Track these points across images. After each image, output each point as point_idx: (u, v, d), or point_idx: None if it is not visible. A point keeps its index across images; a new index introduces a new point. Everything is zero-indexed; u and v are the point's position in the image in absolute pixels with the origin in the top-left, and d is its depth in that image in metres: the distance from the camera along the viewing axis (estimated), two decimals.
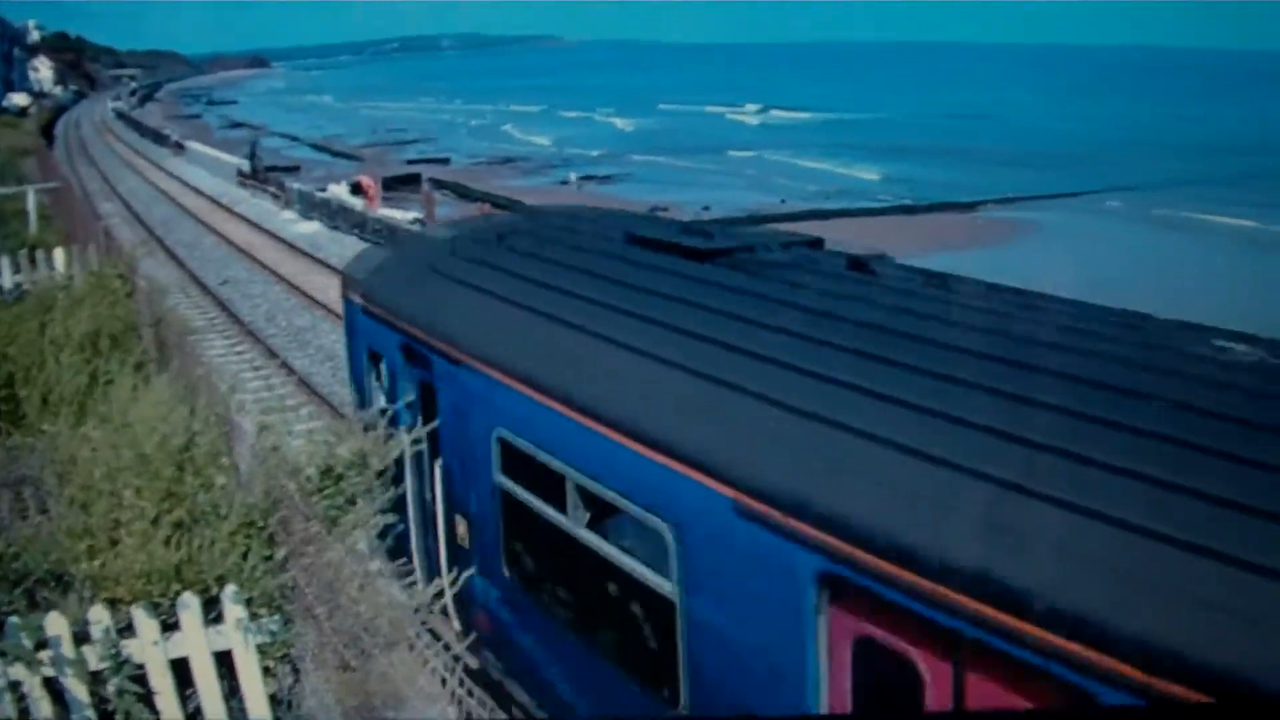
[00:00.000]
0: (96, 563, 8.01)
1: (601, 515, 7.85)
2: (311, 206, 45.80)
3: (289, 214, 47.06)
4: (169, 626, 7.61)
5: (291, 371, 22.17)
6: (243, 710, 7.61)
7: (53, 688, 7.33)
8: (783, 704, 6.31)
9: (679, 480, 6.81)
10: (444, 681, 7.56)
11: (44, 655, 7.27)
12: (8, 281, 19.16)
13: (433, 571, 9.89)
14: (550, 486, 8.18)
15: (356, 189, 45.41)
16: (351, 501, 9.15)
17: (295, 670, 7.78)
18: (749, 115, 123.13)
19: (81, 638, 7.41)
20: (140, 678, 7.52)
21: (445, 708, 7.16)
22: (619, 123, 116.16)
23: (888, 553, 5.55)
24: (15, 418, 11.16)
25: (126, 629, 7.53)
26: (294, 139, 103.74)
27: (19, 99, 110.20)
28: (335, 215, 43.26)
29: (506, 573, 9.07)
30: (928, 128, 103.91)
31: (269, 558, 8.15)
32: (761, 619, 6.45)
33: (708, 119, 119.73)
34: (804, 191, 63.49)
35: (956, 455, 5.62)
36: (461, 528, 9.78)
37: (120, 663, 7.43)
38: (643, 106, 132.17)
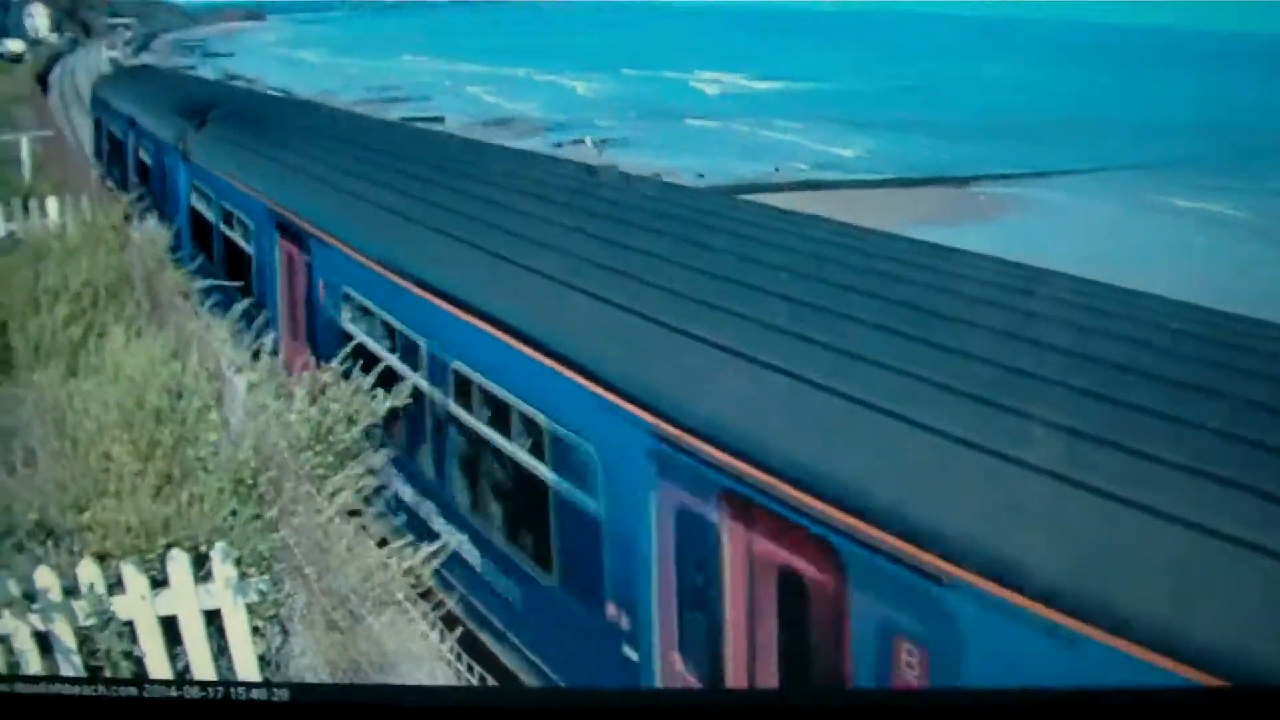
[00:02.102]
0: (84, 515, 7.98)
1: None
2: None
3: None
4: (158, 584, 7.58)
5: None
6: (231, 669, 7.60)
7: (41, 642, 7.32)
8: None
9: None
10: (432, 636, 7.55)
11: (34, 606, 7.26)
12: (0, 229, 19.06)
13: None
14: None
15: None
16: (341, 461, 9.14)
17: (284, 631, 7.76)
18: (706, 84, 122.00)
19: (70, 593, 7.38)
20: (130, 634, 7.50)
21: (434, 668, 7.14)
22: (580, 88, 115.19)
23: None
24: (6, 367, 11.12)
25: (115, 586, 7.50)
26: (288, 93, 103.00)
27: (14, 45, 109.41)
28: None
29: None
30: (893, 100, 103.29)
31: (258, 516, 8.12)
32: None
33: (669, 85, 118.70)
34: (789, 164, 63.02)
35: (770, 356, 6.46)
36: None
37: (108, 619, 7.41)
38: (608, 71, 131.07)
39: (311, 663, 7.50)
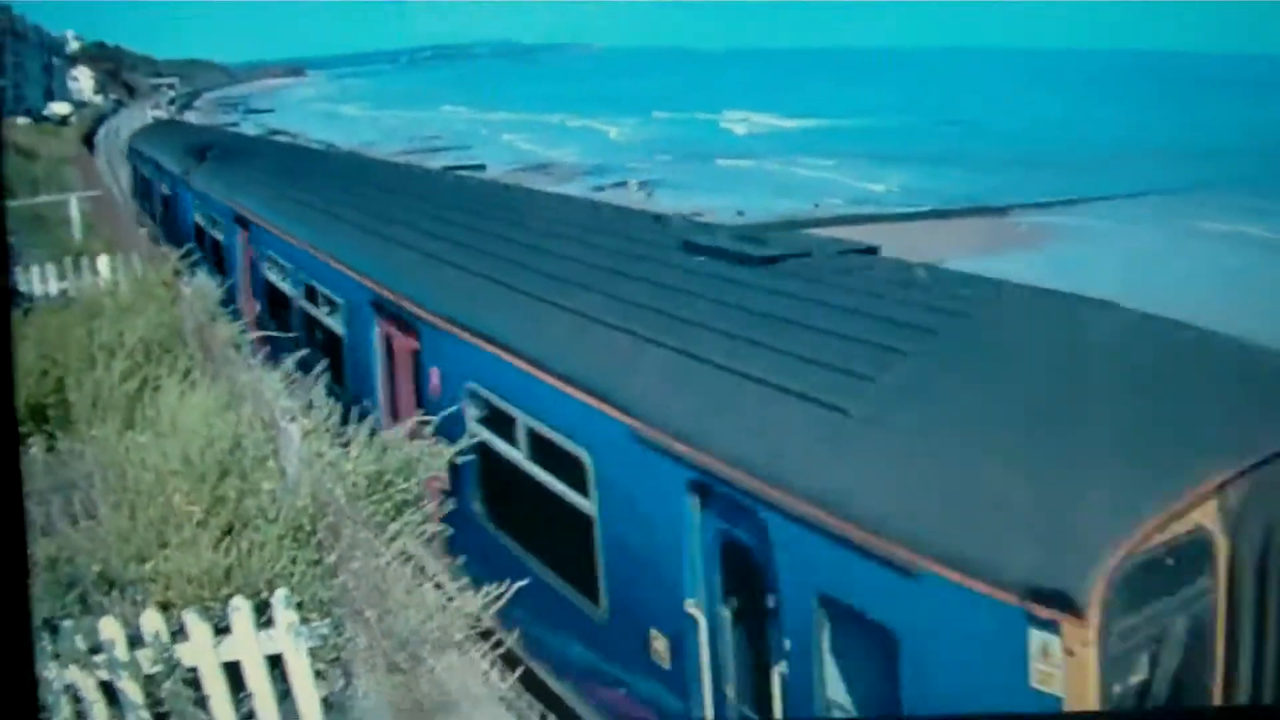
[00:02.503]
0: (146, 566, 8.08)
1: None
2: None
3: None
4: (220, 630, 7.67)
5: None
6: (295, 713, 7.67)
7: (108, 690, 7.41)
8: None
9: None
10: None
11: (98, 659, 7.35)
12: (53, 288, 19.34)
13: None
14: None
15: None
16: (400, 509, 9.20)
17: (346, 673, 7.83)
18: (735, 124, 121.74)
19: (134, 642, 7.48)
20: (193, 681, 7.58)
21: (495, 710, 7.19)
22: (613, 132, 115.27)
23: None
24: (65, 422, 11.26)
25: (179, 633, 7.59)
26: (331, 146, 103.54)
27: (60, 108, 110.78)
28: None
29: None
30: (928, 134, 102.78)
31: (317, 562, 8.20)
32: None
33: (700, 125, 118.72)
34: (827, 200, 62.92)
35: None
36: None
37: (173, 666, 7.51)
38: (639, 114, 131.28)
39: (374, 705, 7.56)
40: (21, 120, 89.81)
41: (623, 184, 69.66)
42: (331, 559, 8.20)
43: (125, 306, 14.41)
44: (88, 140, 71.17)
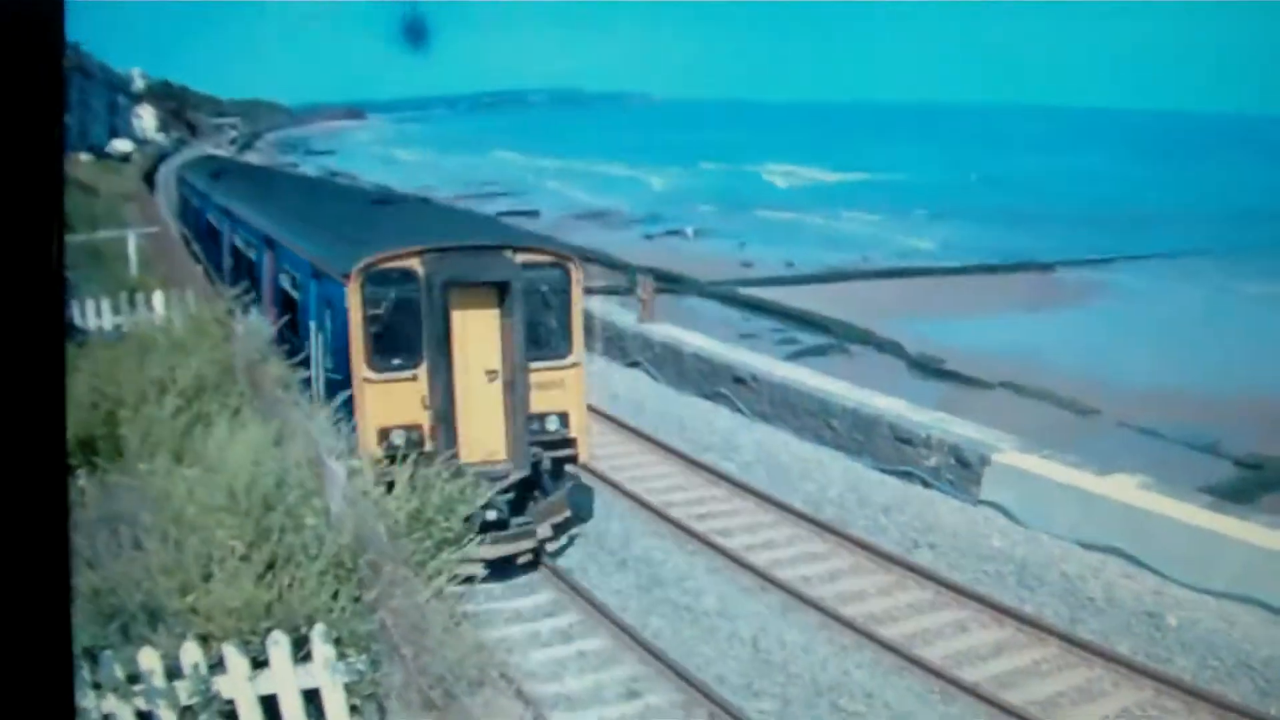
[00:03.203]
0: (188, 599, 8.16)
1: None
2: None
3: None
4: (259, 664, 7.74)
5: None
6: None
7: None
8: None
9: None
10: None
11: (137, 688, 7.43)
12: (108, 322, 19.61)
13: None
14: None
15: None
16: (440, 547, 9.26)
17: (381, 709, 7.87)
18: (776, 176, 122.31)
19: (173, 672, 7.56)
20: (230, 714, 7.65)
21: None
22: (657, 183, 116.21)
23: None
24: (114, 455, 11.38)
25: (217, 665, 7.67)
26: (387, 189, 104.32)
27: (122, 145, 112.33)
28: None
29: None
30: (970, 191, 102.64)
31: (358, 599, 8.26)
32: None
33: (744, 177, 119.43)
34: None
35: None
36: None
37: (210, 698, 7.57)
38: (687, 164, 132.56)
39: None
40: (84, 156, 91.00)
41: (678, 231, 70.83)
42: (371, 596, 8.26)
43: (178, 343, 14.59)
44: (148, 178, 72.36)
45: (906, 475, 19.19)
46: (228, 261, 26.25)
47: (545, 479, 15.35)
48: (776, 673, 12.83)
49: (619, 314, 30.29)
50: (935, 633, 14.04)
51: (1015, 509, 17.36)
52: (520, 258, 15.33)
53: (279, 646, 7.71)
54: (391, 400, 14.52)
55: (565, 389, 15.64)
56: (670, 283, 44.43)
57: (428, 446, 13.94)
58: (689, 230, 71.65)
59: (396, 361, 14.63)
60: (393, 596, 8.09)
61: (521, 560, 15.15)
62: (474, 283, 14.86)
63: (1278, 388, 32.50)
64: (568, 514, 15.71)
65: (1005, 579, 15.49)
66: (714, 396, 24.38)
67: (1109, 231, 72.33)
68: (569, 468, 15.86)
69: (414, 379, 14.57)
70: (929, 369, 35.45)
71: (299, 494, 9.34)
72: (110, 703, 7.41)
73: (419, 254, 14.76)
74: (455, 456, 13.74)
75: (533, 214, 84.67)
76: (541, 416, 15.33)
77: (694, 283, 47.82)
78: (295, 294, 18.02)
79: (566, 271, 15.79)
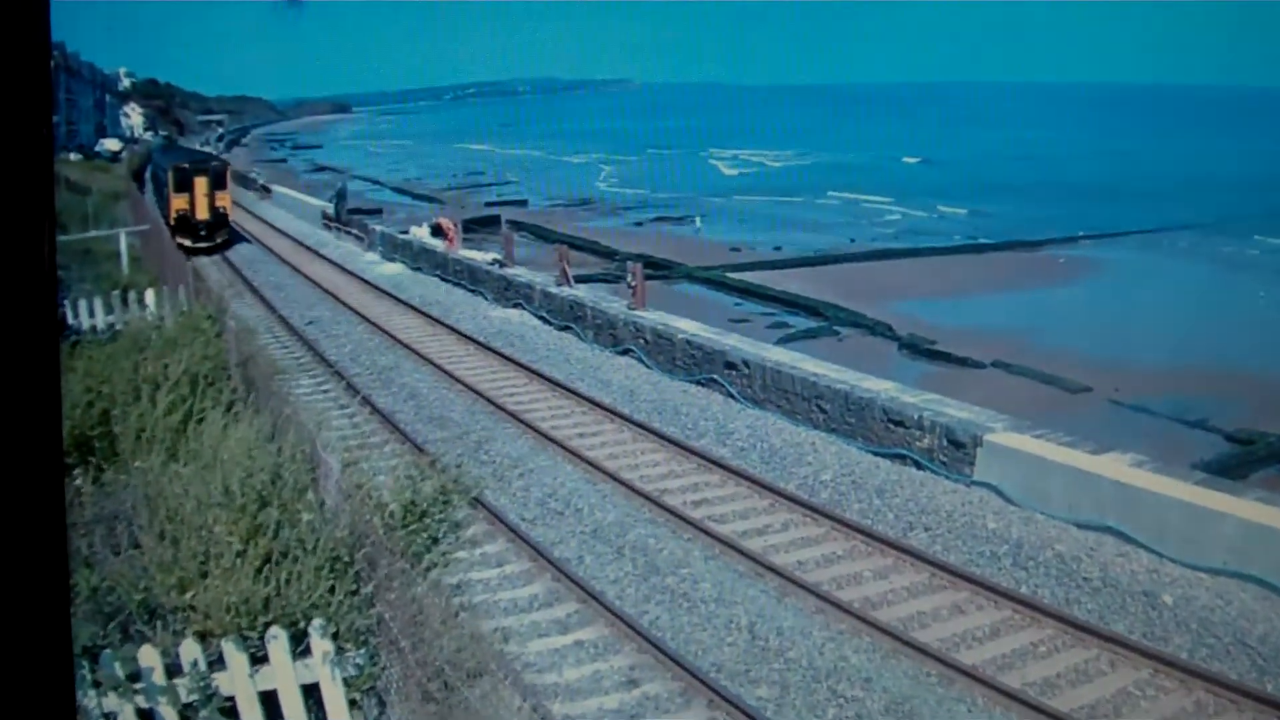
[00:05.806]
0: (187, 595, 8.16)
1: None
2: (394, 248, 46.26)
3: (372, 255, 47.57)
4: (258, 659, 7.75)
5: (375, 410, 22.37)
6: None
7: (146, 718, 7.48)
8: None
9: None
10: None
11: (137, 686, 7.43)
12: (101, 321, 19.59)
13: None
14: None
15: (437, 231, 45.62)
16: (435, 540, 9.27)
17: (381, 702, 7.88)
18: (724, 164, 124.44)
19: (173, 670, 7.56)
20: (230, 710, 7.65)
21: None
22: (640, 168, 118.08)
23: None
24: (110, 454, 11.37)
25: (217, 661, 7.68)
26: (376, 183, 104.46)
27: (110, 144, 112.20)
28: (417, 256, 43.62)
29: None
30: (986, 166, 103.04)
31: (355, 592, 8.27)
32: None
33: (698, 161, 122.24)
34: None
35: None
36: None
37: (210, 695, 7.58)
38: (676, 149, 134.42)
39: None
40: (74, 156, 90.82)
41: (686, 218, 72.56)
42: (368, 589, 8.26)
43: (171, 340, 14.57)
44: (137, 176, 72.35)
45: (900, 457, 19.25)
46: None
47: (218, 227, 49.31)
48: (774, 659, 12.83)
49: (608, 302, 30.30)
50: (932, 615, 14.06)
51: (1009, 489, 17.41)
52: (211, 164, 52.48)
53: (278, 641, 7.72)
54: (178, 204, 48.62)
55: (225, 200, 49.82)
56: (660, 269, 45.13)
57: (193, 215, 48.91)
58: (697, 220, 72.04)
59: (182, 192, 48.73)
60: (390, 589, 8.10)
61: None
62: (198, 168, 49.62)
63: (1267, 362, 32.66)
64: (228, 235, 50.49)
65: (1001, 560, 15.52)
66: (706, 382, 24.39)
67: (1113, 204, 72.70)
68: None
69: (185, 196, 48.56)
70: (920, 349, 35.58)
71: (294, 488, 9.34)
72: (111, 701, 7.41)
73: (189, 163, 51.22)
74: (194, 215, 48.95)
75: (521, 203, 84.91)
76: (218, 207, 48.92)
77: (683, 268, 48.38)
78: (160, 176, 52.22)
79: (224, 164, 55.47)
